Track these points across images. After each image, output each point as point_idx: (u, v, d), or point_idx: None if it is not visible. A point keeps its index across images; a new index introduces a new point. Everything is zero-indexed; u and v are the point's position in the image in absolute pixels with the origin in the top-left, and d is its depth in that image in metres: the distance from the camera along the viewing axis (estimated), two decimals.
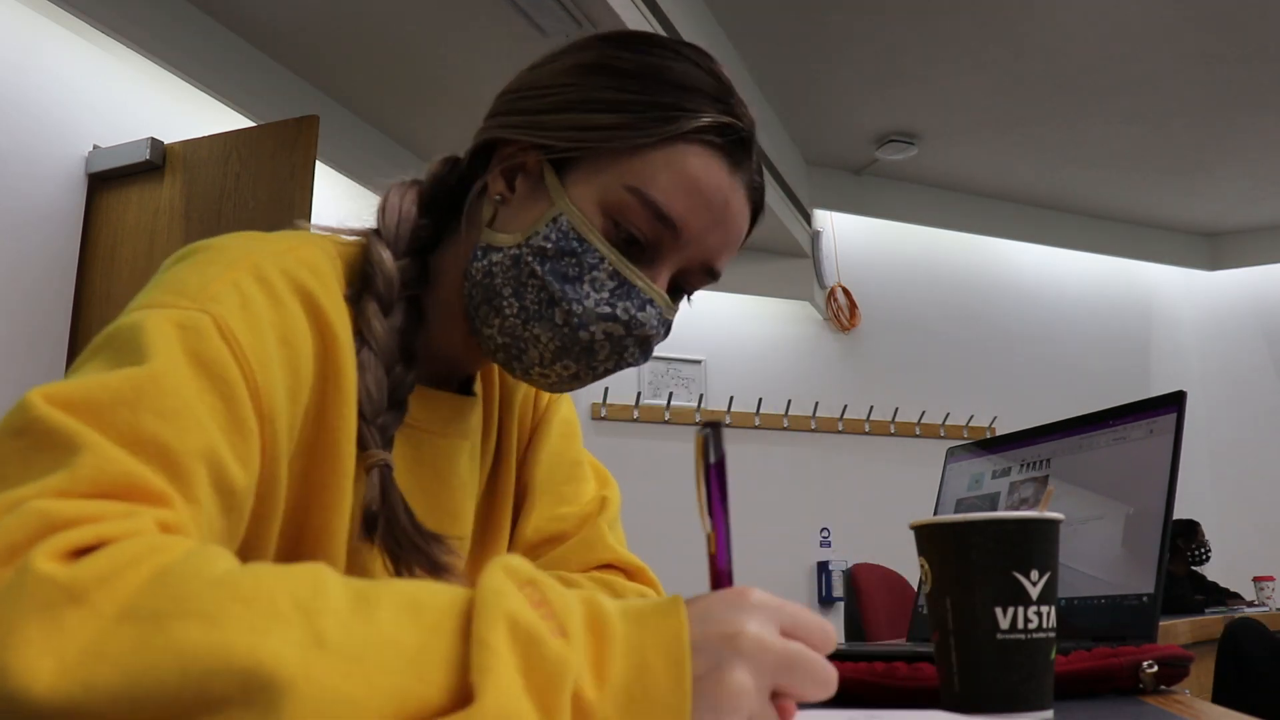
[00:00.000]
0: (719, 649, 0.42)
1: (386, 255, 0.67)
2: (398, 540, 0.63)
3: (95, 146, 2.35)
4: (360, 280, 0.66)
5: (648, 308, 0.66)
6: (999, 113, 4.02)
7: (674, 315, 0.71)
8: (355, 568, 0.65)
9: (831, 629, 0.47)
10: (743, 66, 3.60)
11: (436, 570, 0.64)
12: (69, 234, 2.31)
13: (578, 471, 0.85)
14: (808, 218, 4.35)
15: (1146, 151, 4.40)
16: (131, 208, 2.32)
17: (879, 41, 3.49)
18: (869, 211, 4.61)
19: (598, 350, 0.67)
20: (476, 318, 0.69)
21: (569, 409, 0.89)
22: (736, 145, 0.67)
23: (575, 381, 0.70)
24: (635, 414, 3.94)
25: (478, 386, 0.80)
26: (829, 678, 0.44)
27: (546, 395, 0.86)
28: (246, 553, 0.57)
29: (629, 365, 0.70)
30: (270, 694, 0.34)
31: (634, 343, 0.67)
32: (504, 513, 0.82)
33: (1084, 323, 5.14)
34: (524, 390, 0.85)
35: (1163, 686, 0.60)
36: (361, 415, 0.63)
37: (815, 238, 4.41)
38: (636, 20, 2.59)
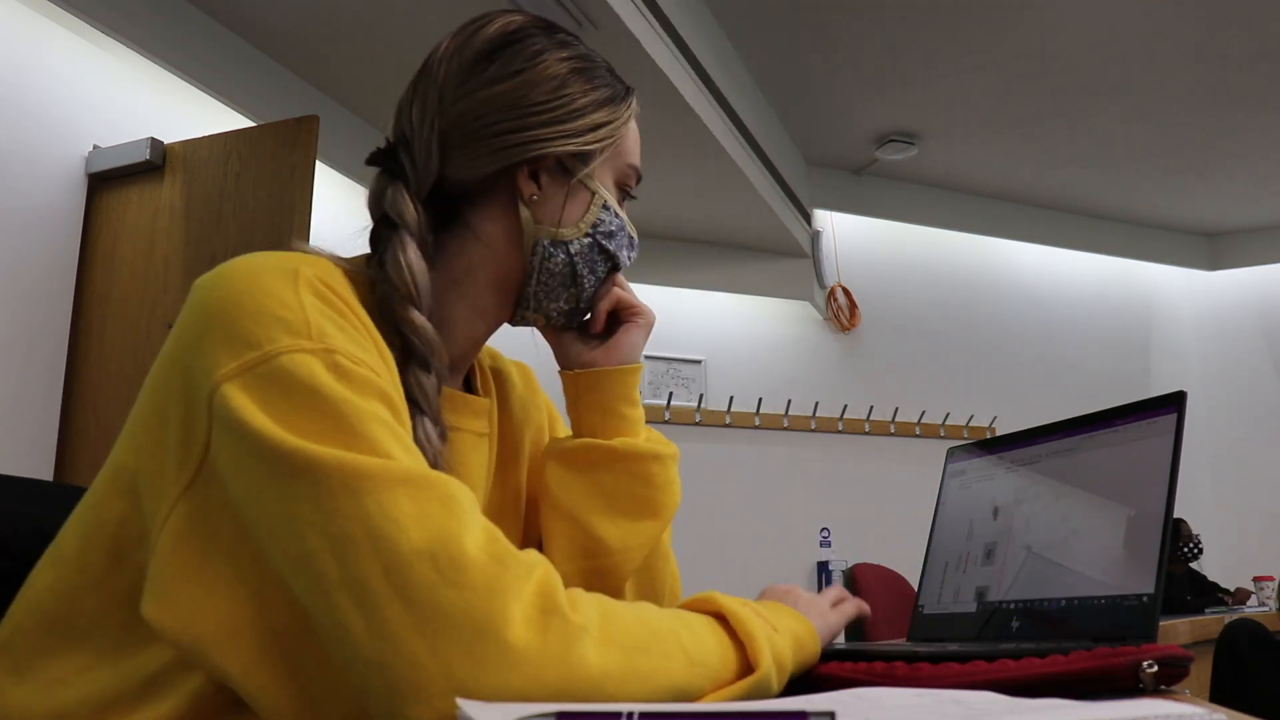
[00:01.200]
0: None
1: (420, 319, 0.73)
2: None
3: (95, 146, 2.35)
4: (401, 347, 0.71)
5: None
6: (999, 113, 4.02)
7: None
8: None
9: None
10: (743, 66, 3.60)
11: None
12: (69, 234, 2.31)
13: None
14: (808, 218, 4.35)
15: (1146, 151, 4.40)
16: (131, 208, 2.32)
17: (879, 41, 3.49)
18: (869, 211, 4.61)
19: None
20: (545, 298, 0.83)
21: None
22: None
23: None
24: None
25: (479, 385, 0.88)
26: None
27: (556, 414, 0.98)
28: None
29: None
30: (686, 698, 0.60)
31: None
32: (515, 510, 0.89)
33: (1084, 323, 5.14)
34: (524, 399, 0.94)
35: (1163, 686, 0.61)
36: None
37: (815, 238, 4.41)
38: (636, 20, 2.60)
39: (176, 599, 0.58)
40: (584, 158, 0.82)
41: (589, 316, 0.88)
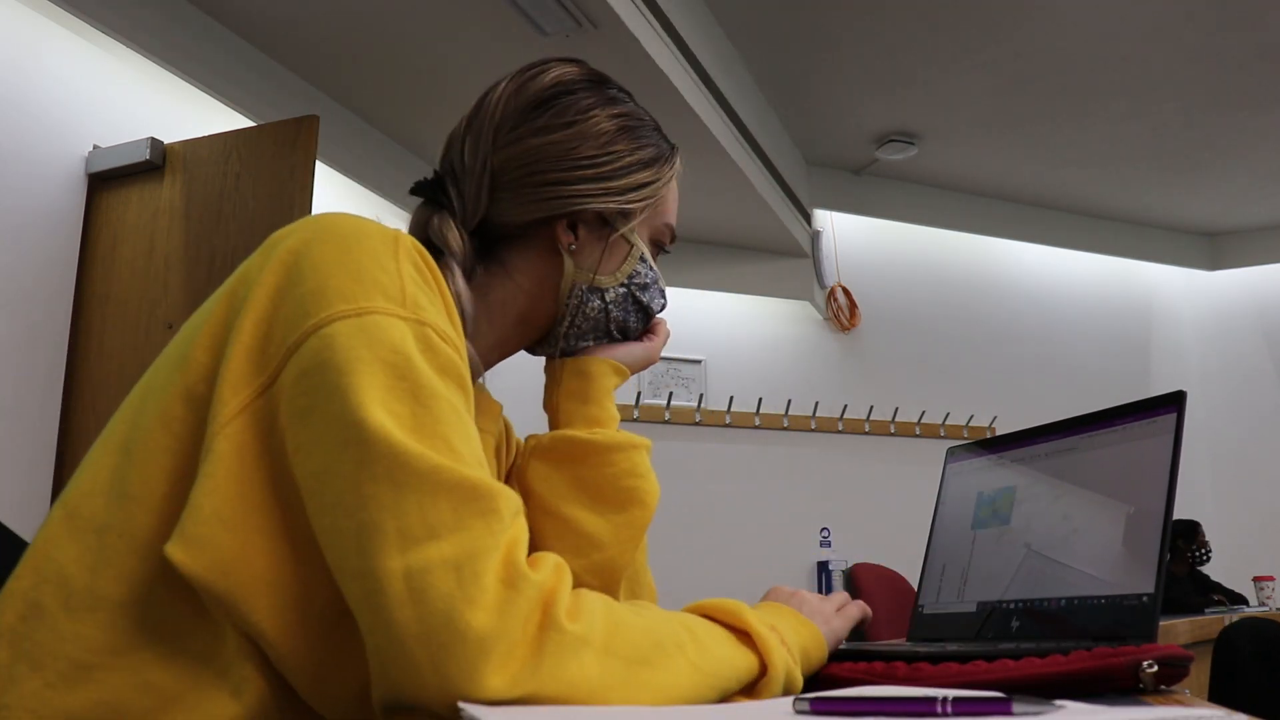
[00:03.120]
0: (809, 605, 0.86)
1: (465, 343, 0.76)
2: None
3: (95, 146, 2.35)
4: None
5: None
6: (999, 113, 4.02)
7: None
8: None
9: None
10: (743, 66, 3.60)
11: None
12: (69, 234, 2.31)
13: None
14: (808, 218, 4.35)
15: (1146, 151, 4.40)
16: (131, 208, 2.32)
17: (879, 41, 3.49)
18: (869, 211, 4.61)
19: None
20: (576, 338, 0.89)
21: None
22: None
23: None
24: (635, 414, 3.94)
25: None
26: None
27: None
28: None
29: None
30: None
31: None
32: None
33: (1084, 323, 5.14)
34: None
35: (1163, 686, 0.60)
36: None
37: (815, 238, 4.41)
38: (636, 20, 2.60)
39: (211, 542, 0.56)
40: (625, 214, 0.86)
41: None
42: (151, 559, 0.58)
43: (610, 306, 0.88)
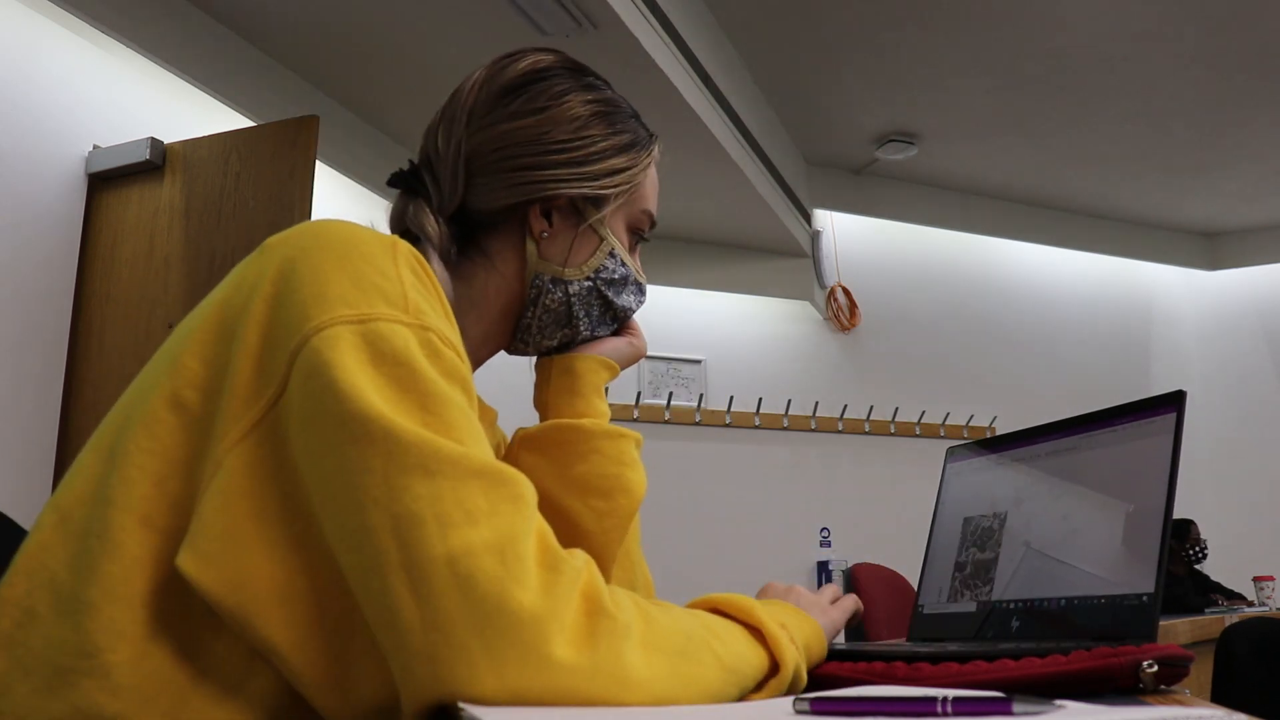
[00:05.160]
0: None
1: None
2: None
3: (95, 146, 2.35)
4: None
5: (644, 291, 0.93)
6: (999, 113, 4.02)
7: None
8: None
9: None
10: (743, 67, 3.60)
11: None
12: (69, 234, 2.31)
13: None
14: (808, 218, 4.35)
15: (1146, 151, 4.40)
16: (131, 207, 2.32)
17: (879, 41, 3.49)
18: (869, 211, 4.61)
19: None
20: (539, 331, 0.87)
21: None
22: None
23: None
24: (635, 414, 3.94)
25: None
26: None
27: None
28: None
29: None
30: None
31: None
32: None
33: (1084, 323, 5.14)
34: None
35: (1163, 686, 0.60)
36: None
37: (815, 238, 4.41)
38: (636, 20, 2.60)
39: (223, 557, 0.56)
40: (597, 202, 0.85)
41: None
42: (124, 562, 0.58)
43: (573, 300, 0.86)
